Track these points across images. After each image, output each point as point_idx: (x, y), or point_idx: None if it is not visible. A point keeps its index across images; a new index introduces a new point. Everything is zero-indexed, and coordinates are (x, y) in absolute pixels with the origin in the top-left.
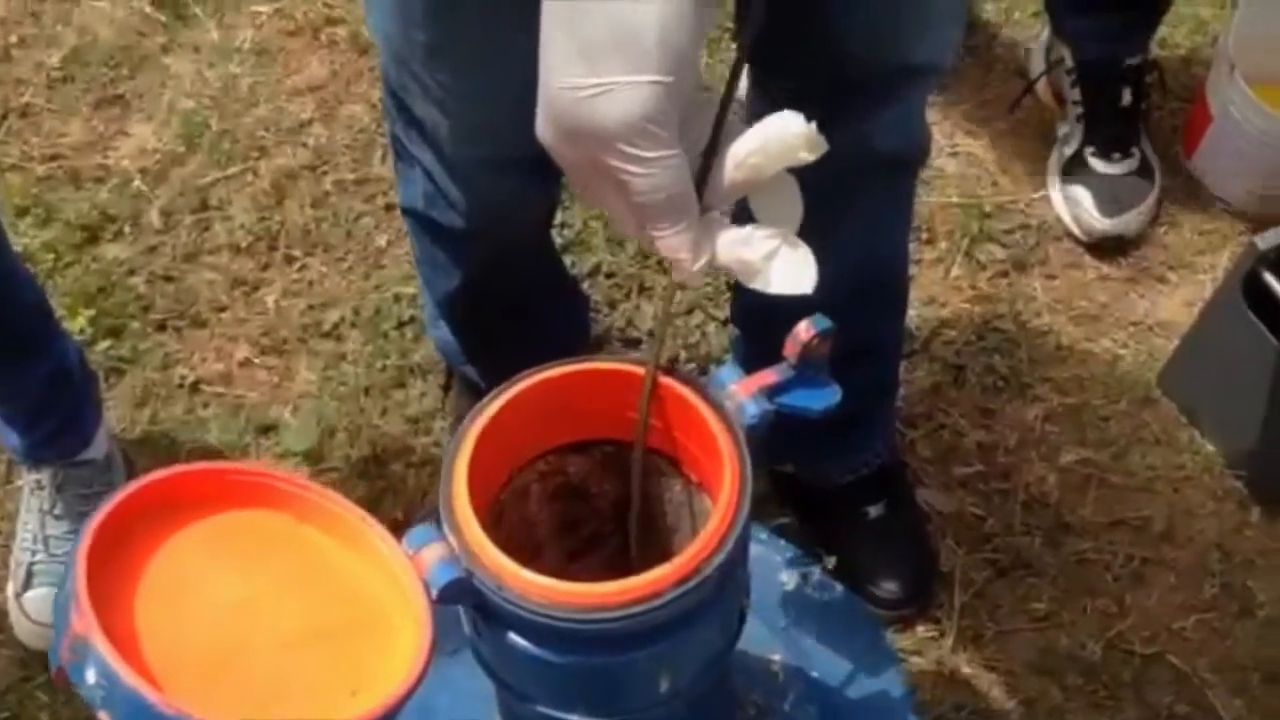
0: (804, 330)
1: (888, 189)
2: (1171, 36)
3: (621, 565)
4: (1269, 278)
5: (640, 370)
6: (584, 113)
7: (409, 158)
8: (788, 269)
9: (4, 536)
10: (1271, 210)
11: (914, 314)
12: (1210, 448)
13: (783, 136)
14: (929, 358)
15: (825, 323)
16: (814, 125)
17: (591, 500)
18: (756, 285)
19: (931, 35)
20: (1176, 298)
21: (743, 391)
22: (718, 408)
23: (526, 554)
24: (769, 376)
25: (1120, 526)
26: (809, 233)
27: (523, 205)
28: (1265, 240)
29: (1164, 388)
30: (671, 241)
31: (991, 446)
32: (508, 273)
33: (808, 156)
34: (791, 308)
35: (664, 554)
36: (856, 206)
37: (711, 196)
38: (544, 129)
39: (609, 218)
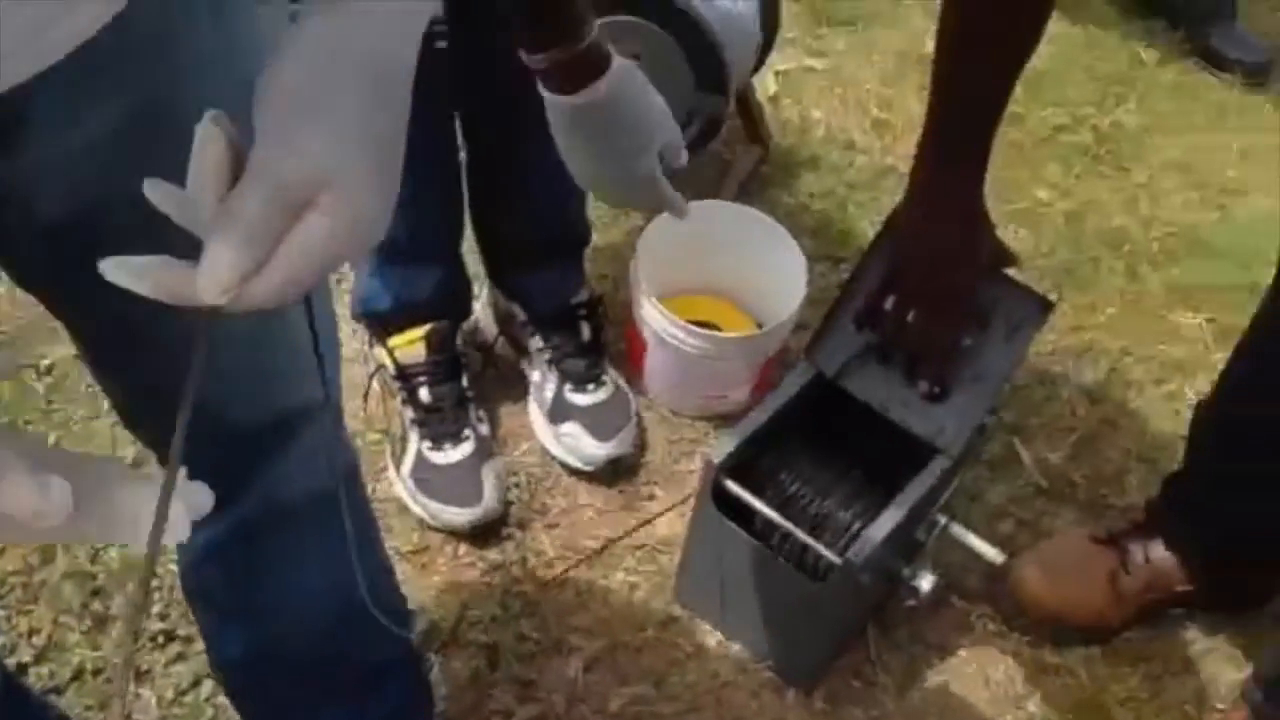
0: None
1: (334, 511)
2: (598, 269)
3: None
4: (730, 484)
5: None
6: None
7: None
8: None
9: None
10: (724, 409)
11: (433, 606)
12: (736, 647)
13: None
14: (459, 646)
15: None
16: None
17: None
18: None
19: (304, 379)
20: (669, 513)
21: None
22: None
23: None
24: None
25: None
26: (274, 574)
27: None
28: (717, 454)
29: (681, 602)
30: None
31: (542, 718)
32: None
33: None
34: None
35: None
36: (310, 539)
37: None
38: None
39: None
